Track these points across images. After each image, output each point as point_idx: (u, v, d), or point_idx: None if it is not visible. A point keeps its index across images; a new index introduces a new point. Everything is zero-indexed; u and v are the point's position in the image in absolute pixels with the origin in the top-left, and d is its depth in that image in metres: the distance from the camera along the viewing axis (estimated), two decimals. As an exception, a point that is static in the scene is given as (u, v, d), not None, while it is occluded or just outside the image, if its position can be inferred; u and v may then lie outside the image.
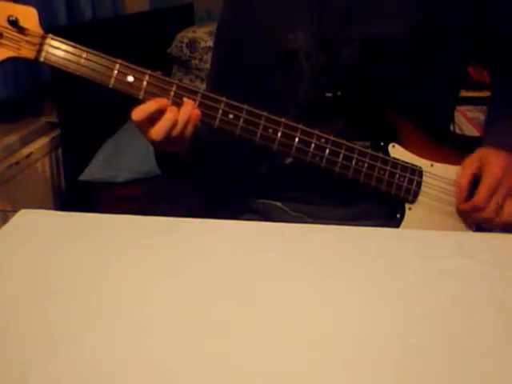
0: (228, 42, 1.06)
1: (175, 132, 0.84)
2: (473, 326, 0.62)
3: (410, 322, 0.62)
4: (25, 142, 1.80)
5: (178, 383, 0.53)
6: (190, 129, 0.85)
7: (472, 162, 0.95)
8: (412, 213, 0.96)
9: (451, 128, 1.10)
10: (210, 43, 2.46)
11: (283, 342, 0.58)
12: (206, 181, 1.15)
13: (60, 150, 1.92)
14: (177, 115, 0.83)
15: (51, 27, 0.90)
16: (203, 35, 2.52)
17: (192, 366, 0.55)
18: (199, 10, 2.98)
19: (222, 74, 1.09)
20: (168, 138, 0.84)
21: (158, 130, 0.83)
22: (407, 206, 0.96)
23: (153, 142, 0.86)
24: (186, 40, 2.53)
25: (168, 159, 0.95)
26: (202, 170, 1.07)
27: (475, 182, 0.94)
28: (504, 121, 0.99)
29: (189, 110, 0.84)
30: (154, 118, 0.83)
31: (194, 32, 2.57)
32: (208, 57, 2.47)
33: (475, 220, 0.95)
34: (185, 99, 0.85)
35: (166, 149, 0.90)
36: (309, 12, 0.96)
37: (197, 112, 0.85)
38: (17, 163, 1.72)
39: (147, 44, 2.32)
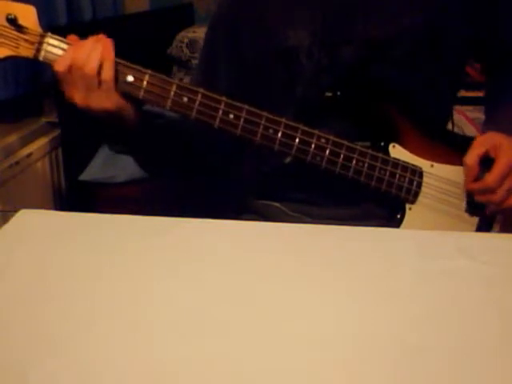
0: (222, 31, 1.05)
1: (89, 70, 0.81)
2: (473, 326, 0.61)
3: (410, 322, 0.62)
4: (25, 142, 1.80)
5: (178, 383, 0.53)
6: (108, 72, 0.82)
7: (482, 143, 0.93)
8: (412, 213, 0.96)
9: (451, 128, 1.10)
10: (211, 43, 2.45)
11: (283, 342, 0.58)
12: (166, 165, 1.07)
13: (60, 150, 1.92)
14: (86, 51, 0.81)
15: (51, 27, 0.90)
16: (203, 35, 2.51)
17: (192, 365, 0.55)
18: (199, 10, 2.97)
19: (212, 62, 1.07)
20: (88, 87, 0.81)
21: (61, 62, 0.81)
22: (407, 206, 0.96)
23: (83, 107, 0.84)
24: (186, 40, 2.53)
25: (113, 128, 0.89)
26: (160, 152, 1.00)
27: (485, 164, 0.92)
28: (504, 108, 0.99)
29: (99, 46, 0.81)
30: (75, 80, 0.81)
31: (194, 32, 2.57)
32: (208, 57, 2.47)
33: (482, 201, 0.94)
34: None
35: (108, 115, 0.86)
36: (311, 10, 0.96)
37: (109, 49, 0.82)
38: (17, 163, 1.71)
39: (147, 44, 2.31)
